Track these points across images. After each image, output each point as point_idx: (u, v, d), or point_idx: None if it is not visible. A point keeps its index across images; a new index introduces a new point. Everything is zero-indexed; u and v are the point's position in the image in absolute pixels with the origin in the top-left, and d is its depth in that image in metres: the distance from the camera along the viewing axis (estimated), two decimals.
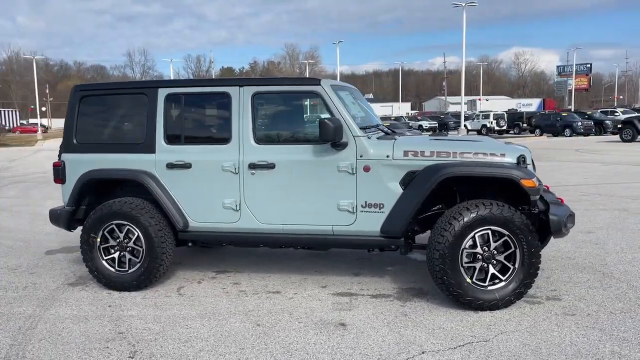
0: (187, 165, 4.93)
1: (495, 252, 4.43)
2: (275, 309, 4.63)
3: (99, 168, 5.11)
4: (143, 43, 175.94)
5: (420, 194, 4.50)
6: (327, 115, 4.73)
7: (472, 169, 4.45)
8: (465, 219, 4.31)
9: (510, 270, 4.46)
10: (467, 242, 4.39)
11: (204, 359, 3.74)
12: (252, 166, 4.84)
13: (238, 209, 4.91)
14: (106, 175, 5.10)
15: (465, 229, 4.32)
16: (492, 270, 4.47)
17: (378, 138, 4.91)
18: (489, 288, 4.44)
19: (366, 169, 4.64)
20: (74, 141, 5.24)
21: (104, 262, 5.09)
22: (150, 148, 5.01)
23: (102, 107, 5.33)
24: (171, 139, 5.02)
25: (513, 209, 4.36)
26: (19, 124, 76.83)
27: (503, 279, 4.47)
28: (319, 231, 4.79)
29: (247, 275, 5.62)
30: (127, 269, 5.08)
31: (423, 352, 3.74)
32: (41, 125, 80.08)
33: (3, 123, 69.50)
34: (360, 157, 4.64)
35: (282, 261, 6.18)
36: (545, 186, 5.00)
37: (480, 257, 4.43)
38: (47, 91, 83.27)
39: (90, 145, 5.22)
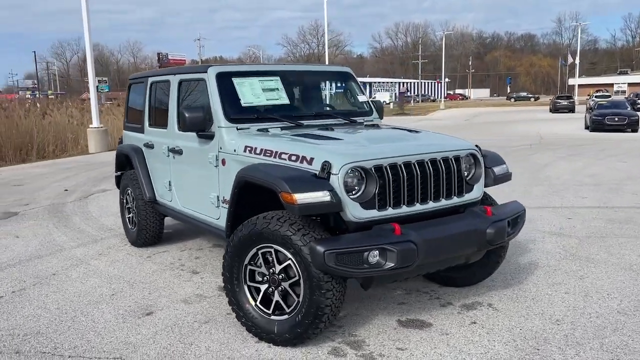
0: (151, 146, 5.40)
1: (280, 276, 3.38)
2: None
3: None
4: (575, 7, 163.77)
5: (233, 197, 3.77)
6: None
7: (254, 174, 3.51)
8: (244, 232, 3.45)
9: (295, 303, 3.33)
10: (250, 258, 3.49)
11: None
12: (172, 150, 4.95)
13: (170, 189, 5.14)
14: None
15: (245, 243, 3.46)
16: (276, 297, 3.43)
17: (258, 130, 4.20)
18: (272, 317, 3.44)
19: (223, 162, 4.15)
20: None
21: None
22: (142, 130, 5.69)
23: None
24: (150, 122, 5.55)
25: (298, 227, 3.21)
26: (445, 94, 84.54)
27: (287, 311, 3.39)
28: (207, 221, 4.56)
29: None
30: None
31: None
32: (460, 95, 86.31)
33: (431, 94, 77.96)
34: (220, 149, 4.18)
35: None
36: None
37: (265, 278, 3.46)
38: (470, 63, 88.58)
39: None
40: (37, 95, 55.44)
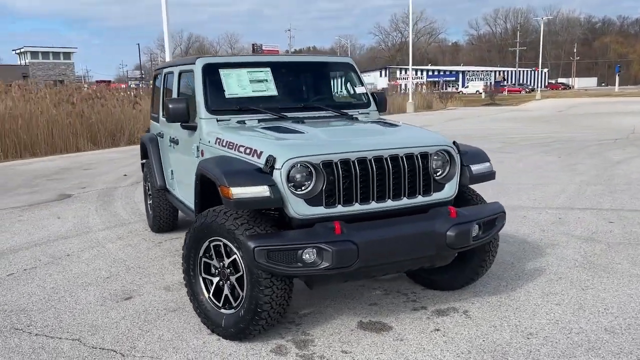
0: (161, 135, 5.60)
1: (228, 270, 3.40)
2: None
3: None
4: None
5: (195, 188, 3.83)
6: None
7: (205, 166, 3.54)
8: (197, 224, 3.50)
9: (240, 298, 3.34)
10: (204, 250, 3.54)
11: None
12: (172, 140, 5.11)
13: (172, 178, 5.31)
14: None
15: (199, 235, 3.50)
16: (225, 290, 3.45)
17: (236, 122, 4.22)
18: (221, 311, 3.47)
19: (202, 153, 4.22)
20: None
21: None
22: (157, 120, 5.90)
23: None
24: (162, 112, 5.72)
25: (242, 221, 3.21)
26: (546, 84, 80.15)
27: (234, 305, 3.41)
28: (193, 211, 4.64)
29: None
30: None
31: None
32: (562, 84, 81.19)
33: (530, 83, 74.12)
34: (200, 140, 4.25)
35: None
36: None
37: (217, 271, 3.50)
38: (575, 50, 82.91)
39: None
40: (140, 85, 58.88)
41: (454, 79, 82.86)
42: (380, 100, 4.93)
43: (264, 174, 3.18)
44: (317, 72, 4.91)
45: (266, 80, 4.51)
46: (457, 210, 3.46)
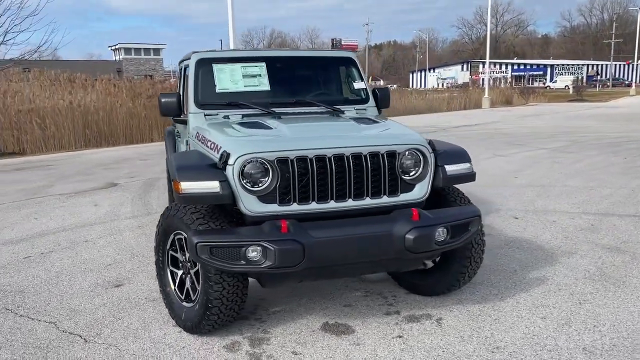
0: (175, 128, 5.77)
1: (189, 264, 3.46)
2: None
3: None
4: None
5: (168, 182, 3.92)
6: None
7: (169, 160, 3.59)
8: (164, 217, 3.58)
9: (197, 292, 3.40)
10: (170, 243, 3.62)
11: None
12: (176, 134, 5.26)
13: None
14: None
15: (166, 228, 3.58)
16: (187, 283, 3.52)
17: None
18: (183, 303, 3.54)
19: (190, 146, 4.33)
20: None
21: None
22: None
23: None
24: None
25: (198, 216, 3.26)
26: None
27: (192, 298, 3.46)
28: None
29: None
30: None
31: None
32: None
33: (627, 77, 69.22)
34: (189, 134, 4.35)
35: None
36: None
37: (181, 264, 3.57)
38: None
39: None
40: None
41: (541, 73, 78.90)
42: (382, 96, 4.78)
43: (217, 170, 3.18)
44: (315, 67, 4.84)
45: (260, 75, 4.50)
46: (421, 212, 3.29)
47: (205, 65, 4.43)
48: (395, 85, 68.93)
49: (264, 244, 2.97)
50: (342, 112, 4.36)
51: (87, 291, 4.23)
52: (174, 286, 3.62)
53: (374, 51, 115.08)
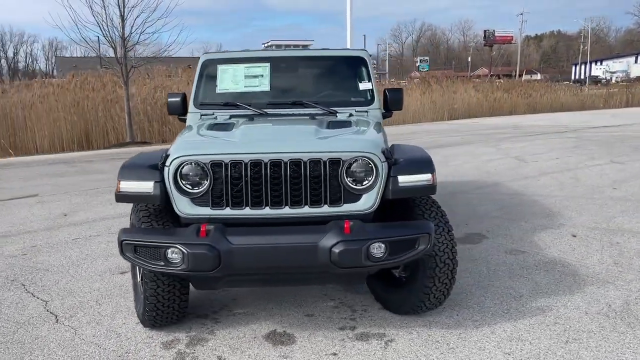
0: None
1: None
2: None
3: None
4: None
5: None
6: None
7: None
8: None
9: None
10: None
11: None
12: None
13: None
14: None
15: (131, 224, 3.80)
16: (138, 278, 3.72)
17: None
18: (140, 296, 3.72)
19: None
20: None
21: None
22: None
23: None
24: None
25: (145, 214, 3.43)
26: None
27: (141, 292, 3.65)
28: None
29: None
30: None
31: None
32: None
33: None
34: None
35: None
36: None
37: None
38: None
39: None
40: None
41: None
42: (392, 98, 4.54)
43: (156, 171, 3.27)
44: (322, 67, 4.72)
45: (262, 76, 4.51)
46: (355, 225, 3.06)
47: (210, 66, 4.56)
48: (539, 77, 63.46)
49: (180, 247, 3.00)
50: (336, 114, 4.21)
51: (95, 275, 4.60)
52: (139, 279, 3.79)
53: (533, 42, 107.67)
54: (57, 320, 3.74)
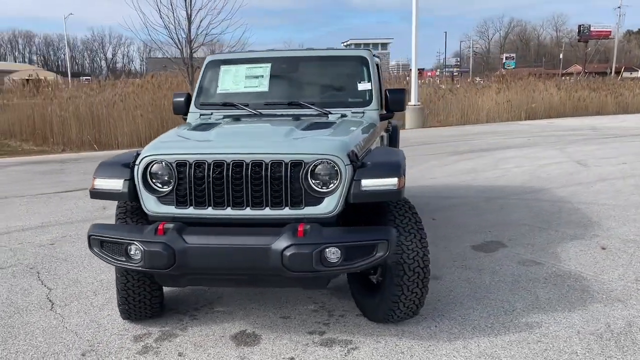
0: None
1: None
2: None
3: None
4: None
5: None
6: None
7: None
8: None
9: None
10: None
11: None
12: None
13: None
14: None
15: None
16: None
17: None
18: None
19: None
20: None
21: None
22: None
23: None
24: None
25: (122, 210, 3.59)
26: None
27: None
28: None
29: None
30: None
31: None
32: None
33: None
34: None
35: None
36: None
37: None
38: None
39: None
40: (455, 72, 58.97)
41: None
42: (393, 98, 4.40)
43: (128, 169, 3.37)
44: (323, 67, 4.66)
45: (262, 76, 4.54)
46: (309, 229, 3.01)
47: (214, 67, 4.65)
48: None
49: (138, 244, 3.08)
50: (327, 115, 4.16)
51: (105, 267, 4.81)
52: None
53: (635, 37, 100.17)
54: (52, 307, 3.96)
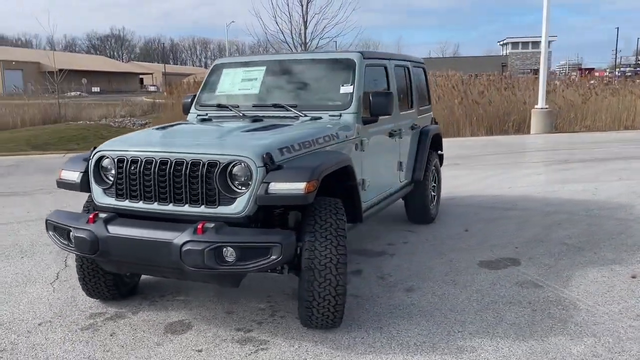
0: None
1: None
2: None
3: None
4: None
5: None
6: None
7: None
8: None
9: None
10: None
11: None
12: None
13: None
14: None
15: None
16: None
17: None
18: None
19: None
20: None
21: None
22: None
23: None
24: None
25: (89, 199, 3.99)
26: None
27: None
28: None
29: None
30: None
31: None
32: None
33: None
34: None
35: None
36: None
37: None
38: None
39: None
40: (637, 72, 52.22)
41: None
42: (376, 102, 4.25)
43: (85, 163, 3.73)
44: (311, 69, 4.65)
45: (255, 79, 4.69)
46: (208, 227, 3.10)
47: (218, 70, 4.91)
48: None
49: (71, 230, 3.42)
50: (298, 117, 4.20)
51: None
52: None
53: None
54: (52, 282, 4.51)
